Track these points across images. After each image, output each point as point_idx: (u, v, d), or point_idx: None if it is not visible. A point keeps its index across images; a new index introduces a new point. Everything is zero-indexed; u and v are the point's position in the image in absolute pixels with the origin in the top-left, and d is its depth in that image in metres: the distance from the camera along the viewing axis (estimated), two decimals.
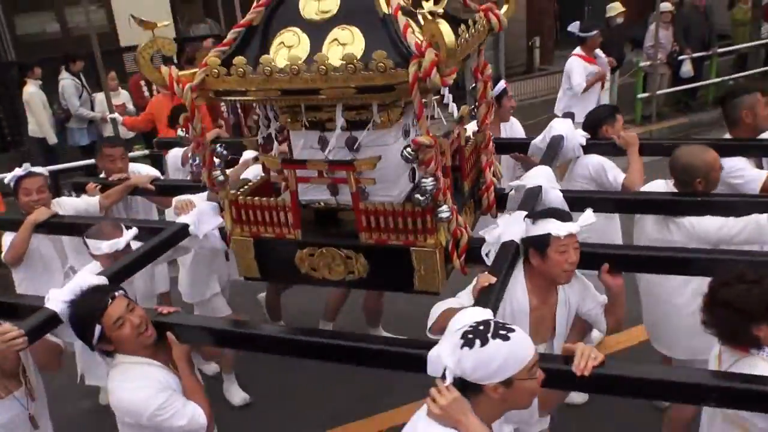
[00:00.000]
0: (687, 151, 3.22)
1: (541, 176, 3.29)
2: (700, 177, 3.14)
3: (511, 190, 3.37)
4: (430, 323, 2.59)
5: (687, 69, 9.49)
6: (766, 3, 10.84)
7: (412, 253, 2.76)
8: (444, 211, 2.65)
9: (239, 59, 2.58)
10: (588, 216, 2.67)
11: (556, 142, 3.87)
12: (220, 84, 2.65)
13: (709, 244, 3.06)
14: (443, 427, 1.84)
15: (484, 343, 1.84)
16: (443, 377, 1.92)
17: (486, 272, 2.56)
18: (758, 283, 2.18)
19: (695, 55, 9.38)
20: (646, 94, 9.20)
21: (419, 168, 2.61)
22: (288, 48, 2.67)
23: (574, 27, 6.96)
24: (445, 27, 2.20)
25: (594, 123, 4.15)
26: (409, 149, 2.57)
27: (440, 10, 2.22)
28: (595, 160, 3.93)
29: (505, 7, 3.12)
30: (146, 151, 5.87)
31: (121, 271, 2.92)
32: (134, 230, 3.23)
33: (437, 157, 2.57)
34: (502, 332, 1.86)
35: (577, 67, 6.71)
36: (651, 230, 3.29)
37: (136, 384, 2.46)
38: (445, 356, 1.92)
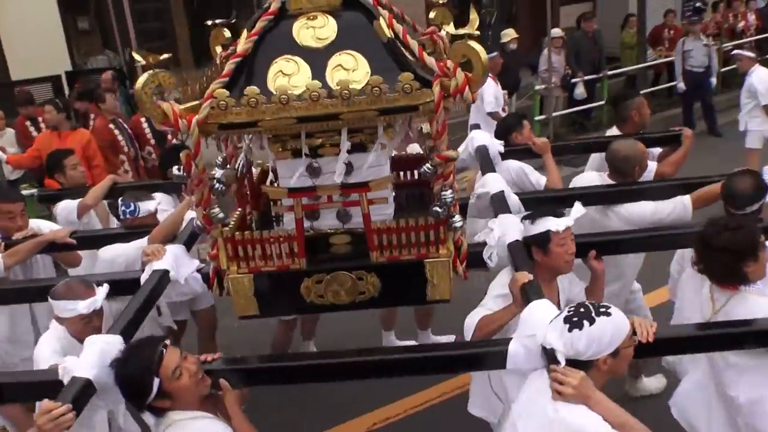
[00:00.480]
0: (623, 145, 3.72)
1: (498, 182, 3.56)
2: (637, 164, 3.65)
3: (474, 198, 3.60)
4: (470, 335, 2.72)
5: (580, 91, 9.95)
6: (652, 29, 11.60)
7: (426, 265, 2.86)
8: (457, 221, 2.80)
9: (251, 89, 2.52)
10: (578, 209, 2.99)
11: (485, 150, 4.19)
12: (227, 117, 2.55)
13: (646, 226, 3.56)
14: (576, 405, 2.00)
15: (591, 322, 2.05)
16: (555, 362, 2.08)
17: (521, 272, 2.74)
18: (741, 227, 2.66)
19: (587, 77, 9.87)
20: (542, 117, 9.57)
21: (437, 182, 2.73)
22: (287, 76, 2.65)
23: None
24: (479, 47, 2.37)
25: (504, 131, 4.55)
26: (428, 166, 2.69)
27: (474, 33, 2.38)
28: (515, 164, 4.32)
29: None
30: (34, 191, 5.24)
31: (129, 328, 2.64)
32: (106, 286, 2.93)
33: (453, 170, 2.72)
34: (602, 309, 2.08)
35: (488, 87, 7.20)
36: (592, 219, 3.72)
37: None
38: (554, 341, 2.08)
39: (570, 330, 2.07)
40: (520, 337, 2.31)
